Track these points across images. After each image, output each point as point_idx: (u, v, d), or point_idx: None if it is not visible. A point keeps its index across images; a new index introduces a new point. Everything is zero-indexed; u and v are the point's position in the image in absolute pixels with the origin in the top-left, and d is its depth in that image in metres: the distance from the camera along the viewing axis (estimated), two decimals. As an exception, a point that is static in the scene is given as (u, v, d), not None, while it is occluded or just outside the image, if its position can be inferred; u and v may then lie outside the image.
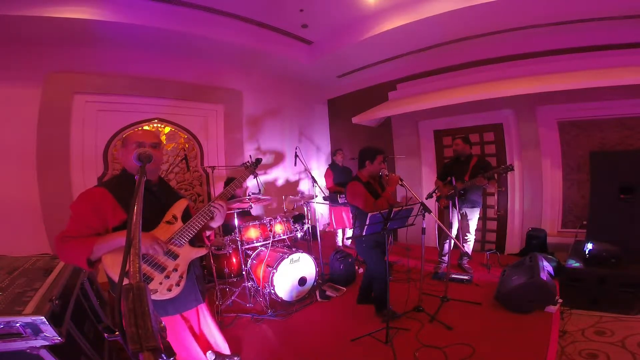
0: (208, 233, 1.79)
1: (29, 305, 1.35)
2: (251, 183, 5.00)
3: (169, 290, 1.44)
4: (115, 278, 1.30)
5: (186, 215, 1.59)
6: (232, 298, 3.23)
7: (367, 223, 2.31)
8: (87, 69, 3.69)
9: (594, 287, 2.78)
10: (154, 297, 1.39)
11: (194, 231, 1.55)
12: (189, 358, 1.61)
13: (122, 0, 3.20)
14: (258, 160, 2.15)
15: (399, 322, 2.66)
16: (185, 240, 1.52)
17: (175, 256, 1.49)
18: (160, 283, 1.43)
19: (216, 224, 1.70)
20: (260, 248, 3.39)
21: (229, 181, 4.08)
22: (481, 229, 4.77)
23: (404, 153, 5.35)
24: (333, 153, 4.95)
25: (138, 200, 0.82)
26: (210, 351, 1.89)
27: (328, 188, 4.81)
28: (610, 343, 2.30)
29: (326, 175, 4.89)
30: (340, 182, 4.66)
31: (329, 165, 5.04)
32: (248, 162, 2.11)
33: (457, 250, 3.89)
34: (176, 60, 4.30)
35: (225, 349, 1.88)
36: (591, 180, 3.53)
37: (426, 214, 2.53)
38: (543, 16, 3.41)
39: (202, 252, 1.60)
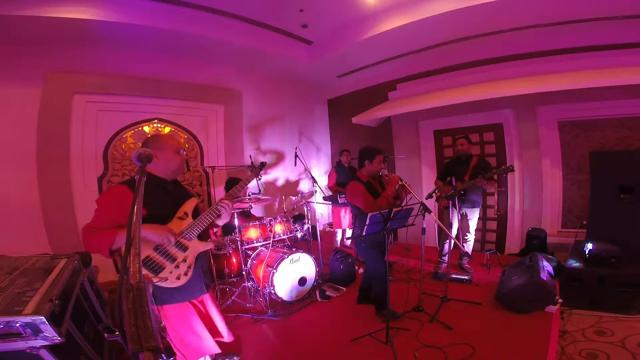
0: (215, 230, 1.93)
1: (28, 305, 1.35)
2: (251, 183, 5.00)
3: (178, 278, 1.58)
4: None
5: (195, 213, 1.74)
6: (232, 298, 3.24)
7: (367, 223, 2.31)
8: (87, 69, 3.69)
9: (594, 287, 2.77)
10: (164, 284, 1.53)
11: (202, 227, 1.68)
12: (200, 342, 1.67)
13: (122, 0, 3.20)
14: (262, 164, 2.28)
15: (399, 322, 2.66)
16: (194, 234, 1.66)
17: (185, 248, 1.64)
18: (171, 272, 1.56)
19: (222, 221, 1.83)
20: (260, 248, 3.39)
21: (230, 181, 4.07)
22: (481, 229, 4.77)
23: (404, 153, 5.35)
24: (339, 153, 4.93)
25: (138, 201, 0.82)
26: None
27: (329, 187, 4.81)
28: (610, 343, 2.30)
29: (329, 175, 4.91)
30: (342, 182, 4.66)
31: (335, 165, 5.04)
32: (252, 164, 2.23)
33: (457, 250, 3.90)
34: (176, 60, 4.30)
35: (228, 336, 1.92)
36: (591, 180, 3.53)
37: (426, 214, 2.53)
38: (543, 16, 3.41)
39: (208, 246, 1.75)
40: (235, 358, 2.26)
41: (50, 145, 3.49)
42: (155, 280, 1.49)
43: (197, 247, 1.67)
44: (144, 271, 1.49)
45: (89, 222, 1.50)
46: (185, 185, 4.79)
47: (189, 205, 1.71)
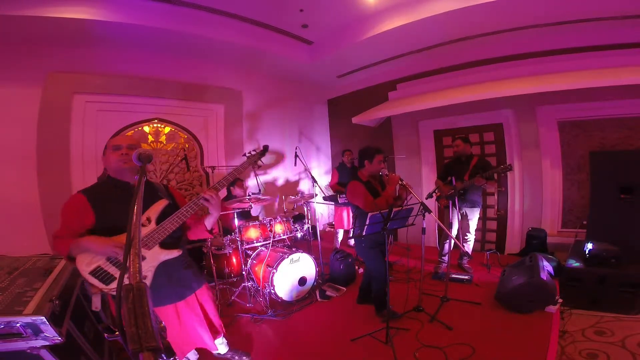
0: (209, 226, 1.77)
1: (29, 305, 1.35)
2: (251, 183, 5.01)
3: None
4: (83, 274, 1.47)
5: (162, 217, 1.59)
6: (232, 298, 3.24)
7: (367, 223, 2.31)
8: (87, 69, 3.69)
9: (594, 287, 2.78)
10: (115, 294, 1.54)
11: (165, 233, 1.54)
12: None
13: (122, 0, 3.20)
14: (265, 148, 1.94)
15: (399, 322, 2.66)
16: (154, 242, 1.53)
17: (142, 258, 1.54)
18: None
19: (212, 217, 1.72)
20: (260, 248, 3.39)
21: (231, 182, 4.06)
22: (481, 229, 4.77)
23: (404, 153, 5.35)
24: (342, 153, 4.93)
25: (138, 201, 0.82)
26: (193, 351, 1.99)
27: (330, 186, 4.81)
28: (610, 343, 2.31)
29: (332, 174, 4.91)
30: (343, 182, 4.65)
31: (337, 166, 5.03)
32: (253, 151, 1.95)
33: (457, 250, 3.89)
34: (176, 60, 4.30)
35: (211, 345, 1.94)
36: (591, 180, 3.53)
37: (426, 213, 2.53)
38: (543, 16, 3.41)
39: (173, 254, 1.60)
40: (244, 358, 2.24)
41: (50, 145, 3.49)
42: (105, 290, 1.45)
43: (157, 256, 1.56)
44: (94, 281, 1.45)
45: (55, 230, 1.53)
46: (185, 185, 4.79)
47: (154, 210, 1.59)
